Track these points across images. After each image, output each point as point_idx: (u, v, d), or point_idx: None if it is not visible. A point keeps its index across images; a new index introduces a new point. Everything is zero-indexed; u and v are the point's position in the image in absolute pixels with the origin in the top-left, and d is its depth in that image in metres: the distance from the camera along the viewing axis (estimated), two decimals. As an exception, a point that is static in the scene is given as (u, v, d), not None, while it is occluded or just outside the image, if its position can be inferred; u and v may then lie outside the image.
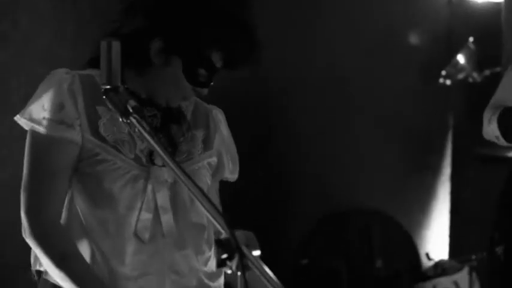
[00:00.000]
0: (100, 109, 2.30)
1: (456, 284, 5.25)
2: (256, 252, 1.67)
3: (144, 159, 2.33)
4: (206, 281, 2.42)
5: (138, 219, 2.31)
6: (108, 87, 2.00)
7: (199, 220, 2.40)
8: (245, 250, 1.64)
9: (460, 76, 5.56)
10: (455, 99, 5.78)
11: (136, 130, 2.00)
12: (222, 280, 2.48)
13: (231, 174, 2.58)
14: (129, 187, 2.31)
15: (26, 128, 2.33)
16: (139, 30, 2.33)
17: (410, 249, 5.54)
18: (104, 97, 2.04)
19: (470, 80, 5.52)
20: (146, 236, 2.31)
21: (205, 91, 2.39)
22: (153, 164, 2.33)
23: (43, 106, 2.28)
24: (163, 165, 2.30)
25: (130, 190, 2.31)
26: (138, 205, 2.31)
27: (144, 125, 1.95)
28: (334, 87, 5.34)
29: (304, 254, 5.34)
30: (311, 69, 5.26)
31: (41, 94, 2.31)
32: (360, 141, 5.38)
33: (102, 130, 2.30)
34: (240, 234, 1.68)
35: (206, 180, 2.45)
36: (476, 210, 5.37)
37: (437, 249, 5.70)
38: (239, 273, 1.65)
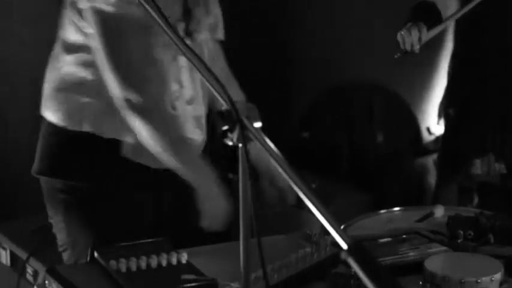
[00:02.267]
0: None
1: (456, 158, 5.29)
2: (258, 124, 1.66)
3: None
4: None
5: None
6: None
7: None
8: (246, 122, 1.64)
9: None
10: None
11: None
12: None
13: (222, 35, 2.73)
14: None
15: (83, 6, 2.43)
16: None
17: (411, 123, 5.54)
18: None
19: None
20: None
21: None
22: None
23: None
24: None
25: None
26: None
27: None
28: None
29: (305, 127, 5.36)
30: None
31: None
32: (363, 14, 5.32)
33: None
34: (241, 105, 1.66)
35: (211, 46, 2.53)
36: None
37: (438, 124, 5.71)
38: (240, 144, 1.66)
